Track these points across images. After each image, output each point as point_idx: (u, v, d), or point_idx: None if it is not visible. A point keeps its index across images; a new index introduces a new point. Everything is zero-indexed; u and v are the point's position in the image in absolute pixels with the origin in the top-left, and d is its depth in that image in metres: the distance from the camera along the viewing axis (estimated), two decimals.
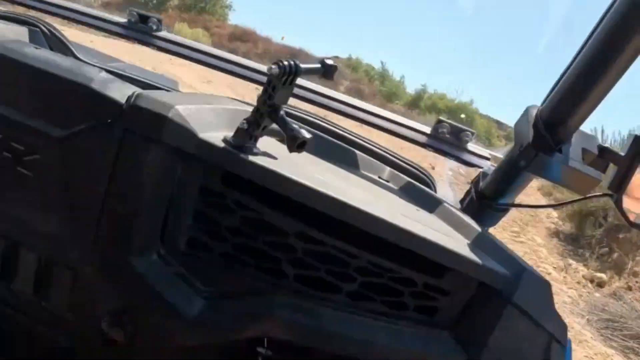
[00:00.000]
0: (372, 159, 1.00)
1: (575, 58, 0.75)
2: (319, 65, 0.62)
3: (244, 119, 0.60)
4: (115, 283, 0.61)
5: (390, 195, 0.85)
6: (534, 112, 0.81)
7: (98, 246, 0.60)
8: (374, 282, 0.65)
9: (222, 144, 0.58)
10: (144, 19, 1.23)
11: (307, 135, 0.56)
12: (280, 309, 0.60)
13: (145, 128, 0.57)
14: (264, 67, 1.15)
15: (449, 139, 1.02)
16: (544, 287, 0.69)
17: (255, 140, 0.60)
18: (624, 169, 0.79)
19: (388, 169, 1.00)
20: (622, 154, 0.78)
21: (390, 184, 0.94)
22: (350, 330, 0.63)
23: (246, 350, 0.65)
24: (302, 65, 0.58)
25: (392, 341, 0.64)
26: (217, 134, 0.60)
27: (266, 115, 0.58)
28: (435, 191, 1.04)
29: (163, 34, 1.24)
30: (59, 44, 1.10)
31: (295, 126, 0.57)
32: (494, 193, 0.94)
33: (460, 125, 1.03)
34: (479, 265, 0.65)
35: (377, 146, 1.04)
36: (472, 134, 1.01)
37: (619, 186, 0.79)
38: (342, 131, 1.02)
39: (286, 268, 0.64)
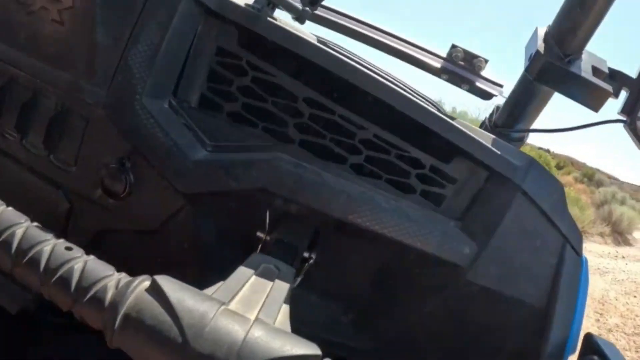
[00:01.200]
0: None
1: None
2: None
3: None
4: (125, 123, 0.62)
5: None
6: (543, 30, 0.81)
7: (114, 89, 0.62)
8: (380, 158, 0.65)
9: (242, 3, 0.62)
10: None
11: None
12: (282, 162, 0.62)
13: None
14: None
15: (463, 65, 1.01)
16: (557, 186, 0.68)
17: (273, 7, 0.63)
18: (636, 92, 0.79)
19: None
20: (634, 77, 0.78)
21: None
22: (351, 191, 0.62)
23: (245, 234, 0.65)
24: None
25: (395, 214, 0.62)
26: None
27: None
28: None
29: None
30: None
31: None
32: (507, 122, 0.94)
33: (472, 52, 1.02)
34: (488, 149, 0.64)
35: (399, 82, 1.03)
36: (486, 61, 1.00)
37: (632, 109, 0.79)
38: (377, 69, 1.01)
39: (292, 132, 0.65)
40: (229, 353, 0.34)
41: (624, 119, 0.80)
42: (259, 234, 0.63)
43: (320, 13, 1.03)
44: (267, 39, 0.62)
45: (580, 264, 0.68)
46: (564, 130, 0.90)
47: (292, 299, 0.48)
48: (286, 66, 0.64)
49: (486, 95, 1.01)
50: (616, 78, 0.81)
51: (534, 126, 0.97)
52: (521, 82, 0.89)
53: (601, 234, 9.06)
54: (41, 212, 0.60)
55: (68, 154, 0.67)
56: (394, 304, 0.70)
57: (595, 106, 0.78)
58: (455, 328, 0.69)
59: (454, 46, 1.01)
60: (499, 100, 0.99)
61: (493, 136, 0.75)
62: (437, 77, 1.04)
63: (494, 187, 0.65)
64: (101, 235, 0.70)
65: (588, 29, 0.76)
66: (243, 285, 0.45)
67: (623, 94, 0.81)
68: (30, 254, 0.40)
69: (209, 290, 0.42)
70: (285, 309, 0.44)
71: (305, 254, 0.63)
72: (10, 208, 0.44)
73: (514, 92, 0.92)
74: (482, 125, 1.02)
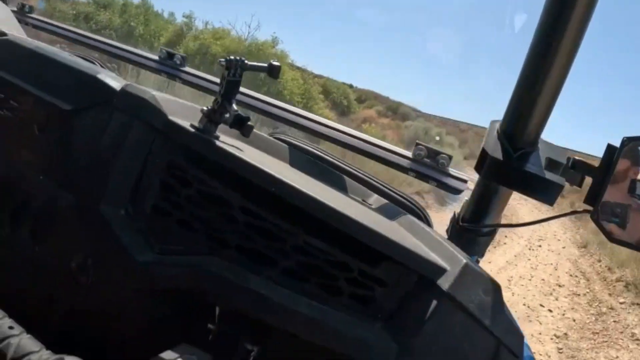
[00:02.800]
0: (361, 185, 1.02)
1: (523, 66, 0.77)
2: (265, 65, 0.74)
3: (206, 107, 0.72)
4: (87, 228, 0.73)
5: (365, 209, 0.87)
6: (496, 125, 0.83)
7: (81, 196, 0.73)
8: (309, 263, 0.69)
9: (187, 125, 0.72)
10: (170, 55, 1.46)
11: (244, 115, 0.71)
12: (214, 266, 0.68)
13: (130, 108, 0.74)
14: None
15: (429, 163, 1.03)
16: (492, 288, 0.68)
17: (216, 125, 0.72)
18: (599, 182, 0.79)
19: (376, 195, 1.02)
20: (595, 165, 0.78)
21: (374, 211, 0.94)
22: (274, 296, 0.66)
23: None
24: (248, 63, 0.72)
25: (317, 315, 0.65)
26: (186, 121, 0.73)
27: (221, 102, 0.71)
28: (429, 223, 1.04)
29: (187, 69, 1.44)
30: None
31: (243, 115, 0.71)
32: (473, 217, 0.94)
33: (435, 149, 1.05)
34: (413, 253, 0.66)
35: (369, 175, 1.07)
36: (450, 157, 1.03)
37: (595, 199, 0.79)
38: (335, 159, 1.06)
39: (229, 237, 0.71)
40: None
41: (589, 209, 0.79)
42: (209, 326, 0.68)
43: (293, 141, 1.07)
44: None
45: None
46: (532, 223, 0.90)
47: None
48: (225, 178, 0.71)
49: (454, 191, 1.02)
50: (578, 168, 0.80)
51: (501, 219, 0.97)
52: (480, 179, 0.90)
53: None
54: (25, 293, 0.78)
55: (48, 246, 0.78)
56: None
57: (550, 200, 0.78)
58: None
59: (417, 144, 1.05)
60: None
61: (433, 233, 0.78)
62: (405, 174, 1.06)
63: (423, 290, 0.66)
64: (74, 320, 0.78)
65: (539, 119, 0.77)
66: None
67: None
68: None
69: None
70: None
71: (249, 347, 0.68)
72: None
73: (476, 188, 0.93)
74: (451, 221, 1.02)
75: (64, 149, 0.77)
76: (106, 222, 0.70)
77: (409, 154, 1.06)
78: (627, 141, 0.75)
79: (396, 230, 0.72)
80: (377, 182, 1.06)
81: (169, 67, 1.43)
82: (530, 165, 0.77)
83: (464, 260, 0.69)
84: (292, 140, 1.06)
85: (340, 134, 1.11)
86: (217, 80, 0.73)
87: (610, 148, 0.76)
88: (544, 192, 0.78)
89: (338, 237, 0.67)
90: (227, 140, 0.74)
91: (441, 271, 0.66)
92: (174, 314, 0.73)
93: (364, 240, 0.66)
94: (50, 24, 1.67)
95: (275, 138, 1.02)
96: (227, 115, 0.71)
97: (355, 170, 1.05)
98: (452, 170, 1.04)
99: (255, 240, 0.70)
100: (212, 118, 0.72)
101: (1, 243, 0.85)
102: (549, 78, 0.74)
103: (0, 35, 0.94)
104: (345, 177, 1.01)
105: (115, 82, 0.78)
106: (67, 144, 0.77)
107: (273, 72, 0.74)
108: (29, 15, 1.68)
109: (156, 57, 1.46)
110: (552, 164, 0.79)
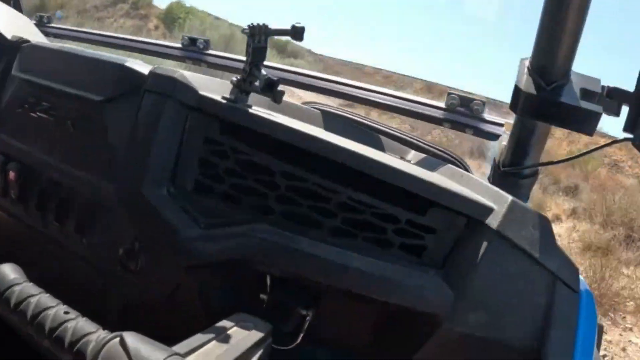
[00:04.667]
0: (398, 143, 1.03)
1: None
2: (288, 28, 0.73)
3: (235, 77, 0.73)
4: (132, 212, 0.75)
5: (404, 163, 0.86)
6: (526, 61, 0.81)
7: (121, 184, 0.75)
8: (356, 219, 0.69)
9: (218, 98, 0.72)
10: (193, 41, 1.46)
11: (275, 78, 0.70)
12: (258, 232, 0.68)
13: (160, 88, 0.74)
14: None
15: (463, 111, 1.04)
16: (541, 223, 0.67)
17: (247, 94, 0.73)
18: (636, 107, 0.78)
19: (413, 151, 1.02)
20: (631, 91, 0.77)
21: (412, 162, 0.95)
22: (326, 255, 0.66)
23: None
24: (271, 28, 0.71)
25: (370, 268, 0.65)
26: (217, 95, 0.74)
27: (249, 70, 0.71)
28: (469, 171, 1.04)
29: (211, 51, 1.44)
30: None
31: (273, 78, 0.70)
32: (513, 161, 0.94)
33: (468, 96, 1.05)
34: (459, 196, 0.66)
35: (405, 133, 1.07)
36: (483, 103, 1.03)
37: (634, 125, 0.78)
38: (371, 122, 1.07)
39: (273, 204, 0.71)
40: None
41: (629, 137, 0.79)
42: (261, 296, 0.70)
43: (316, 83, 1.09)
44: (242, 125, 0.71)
45: (576, 300, 0.65)
46: (571, 159, 0.90)
47: (299, 355, 0.54)
48: (262, 145, 0.72)
49: (492, 137, 1.02)
50: (614, 96, 0.78)
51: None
52: (517, 119, 0.90)
53: None
54: (80, 286, 0.80)
55: (96, 238, 0.81)
56: (387, 356, 0.71)
57: (589, 130, 0.77)
58: None
59: (450, 94, 1.05)
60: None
61: (475, 177, 0.77)
62: (440, 125, 1.07)
63: (473, 232, 0.66)
64: (128, 307, 0.82)
65: (568, 50, 0.75)
66: (210, 341, 0.52)
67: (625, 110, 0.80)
68: (38, 319, 0.53)
69: (177, 345, 0.50)
70: None
71: (303, 312, 0.68)
72: (30, 284, 0.57)
73: (513, 130, 0.92)
74: (492, 168, 1.02)
75: (100, 140, 0.79)
76: (149, 204, 0.71)
77: (442, 104, 1.06)
78: None
79: (438, 178, 0.71)
80: (414, 139, 1.06)
81: (193, 53, 1.44)
82: (565, 97, 0.76)
83: (510, 198, 0.68)
84: (324, 108, 1.07)
85: (371, 93, 1.11)
86: (243, 58, 0.73)
87: None
88: (582, 122, 0.76)
89: (381, 189, 0.67)
90: (260, 109, 0.75)
91: (488, 211, 0.66)
92: (227, 287, 0.75)
93: (408, 188, 0.66)
94: (69, 29, 1.69)
95: (307, 106, 1.04)
96: (257, 83, 0.71)
97: (391, 130, 1.06)
98: (487, 115, 1.03)
99: (300, 203, 0.70)
100: (242, 87, 0.72)
101: (50, 240, 0.89)
102: (572, 6, 0.70)
103: (23, 42, 0.98)
104: (381, 137, 1.02)
105: (142, 67, 0.79)
106: (103, 134, 0.78)
107: (297, 34, 0.73)
108: (48, 25, 1.71)
109: (179, 45, 1.46)
110: (587, 94, 0.77)
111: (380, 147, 1.00)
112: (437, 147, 1.08)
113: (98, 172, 0.78)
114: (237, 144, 0.72)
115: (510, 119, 0.98)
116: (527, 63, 0.81)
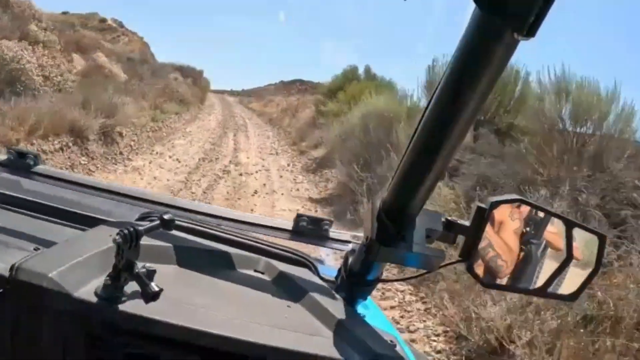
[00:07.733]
0: (249, 253, 1.01)
1: (407, 147, 0.76)
2: (158, 222, 0.75)
3: (108, 276, 0.70)
4: None
5: (258, 294, 0.89)
6: (377, 203, 0.83)
7: None
8: None
9: (94, 299, 0.69)
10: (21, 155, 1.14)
11: (156, 289, 0.67)
12: None
13: (28, 298, 0.70)
14: None
15: (311, 230, 1.03)
16: None
17: (121, 289, 0.71)
18: (472, 238, 0.88)
19: (263, 260, 1.01)
20: (467, 224, 0.87)
21: (264, 277, 0.96)
22: None
23: None
24: (141, 229, 0.70)
25: None
26: (91, 285, 0.71)
27: (123, 270, 0.69)
28: (317, 271, 1.05)
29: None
30: None
31: (147, 280, 0.68)
32: (360, 270, 0.97)
33: (317, 216, 1.07)
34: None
35: (255, 240, 1.06)
36: (331, 222, 1.04)
37: (469, 254, 0.89)
38: (221, 232, 1.04)
39: None
40: None
41: (463, 260, 0.89)
42: None
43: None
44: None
45: None
46: (411, 278, 0.98)
47: None
48: (143, 337, 0.73)
49: (340, 250, 1.04)
50: (452, 228, 0.88)
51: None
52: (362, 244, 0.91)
53: None
54: None
55: None
56: None
57: (432, 268, 0.86)
58: None
59: (299, 216, 1.04)
60: None
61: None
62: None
63: None
64: None
65: (419, 201, 0.79)
66: None
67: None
68: None
69: None
70: None
71: None
72: None
73: (360, 248, 0.94)
74: (338, 273, 1.04)
75: None
76: None
77: (290, 225, 1.06)
78: (495, 204, 0.86)
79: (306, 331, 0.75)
80: (264, 245, 1.06)
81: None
82: (415, 245, 0.81)
83: (378, 349, 0.74)
84: (185, 224, 1.01)
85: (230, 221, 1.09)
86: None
87: (480, 210, 0.86)
88: (426, 263, 0.84)
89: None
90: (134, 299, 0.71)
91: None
92: None
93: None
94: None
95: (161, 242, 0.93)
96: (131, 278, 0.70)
97: (243, 239, 1.05)
98: (334, 232, 1.06)
99: None
100: (116, 285, 0.70)
101: None
102: (439, 157, 0.72)
103: None
104: (232, 252, 1.00)
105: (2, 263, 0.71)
106: None
107: (167, 226, 0.77)
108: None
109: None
110: (431, 234, 0.85)
111: (232, 265, 0.97)
112: (287, 249, 1.06)
113: None
114: (122, 338, 0.73)
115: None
116: (377, 204, 0.83)
